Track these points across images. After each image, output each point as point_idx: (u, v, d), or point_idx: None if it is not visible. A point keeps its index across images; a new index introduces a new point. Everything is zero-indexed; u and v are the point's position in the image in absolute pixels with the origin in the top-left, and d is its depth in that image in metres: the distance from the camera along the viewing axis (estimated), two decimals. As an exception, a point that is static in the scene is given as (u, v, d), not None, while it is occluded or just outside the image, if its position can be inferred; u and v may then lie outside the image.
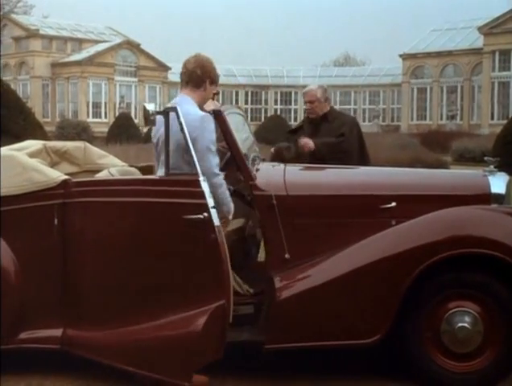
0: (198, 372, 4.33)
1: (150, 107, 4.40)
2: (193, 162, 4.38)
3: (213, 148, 4.61)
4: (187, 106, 4.62)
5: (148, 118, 4.39)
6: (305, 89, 6.87)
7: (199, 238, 4.33)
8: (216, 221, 4.31)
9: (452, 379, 4.55)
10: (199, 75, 4.84)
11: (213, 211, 4.31)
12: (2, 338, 4.65)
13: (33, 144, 5.86)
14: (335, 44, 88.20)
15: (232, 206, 4.68)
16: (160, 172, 4.78)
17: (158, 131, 4.84)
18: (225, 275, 4.29)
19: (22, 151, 5.39)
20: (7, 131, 12.19)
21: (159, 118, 4.52)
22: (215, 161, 4.61)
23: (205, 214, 4.28)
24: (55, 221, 4.71)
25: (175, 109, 4.44)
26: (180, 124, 4.40)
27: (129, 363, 4.43)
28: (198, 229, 4.31)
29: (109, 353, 4.50)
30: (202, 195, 4.33)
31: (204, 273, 4.36)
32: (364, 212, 4.83)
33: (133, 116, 44.68)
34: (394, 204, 4.80)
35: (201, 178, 4.36)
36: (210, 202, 4.33)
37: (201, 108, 4.85)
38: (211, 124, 4.63)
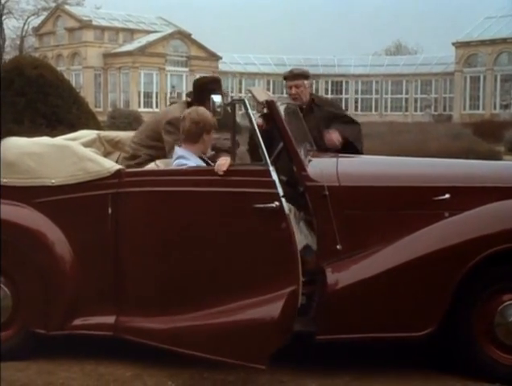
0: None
1: (217, 99, 4.53)
2: (262, 152, 4.51)
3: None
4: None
5: (215, 109, 4.51)
6: (292, 72, 6.36)
7: (270, 226, 4.48)
8: (287, 210, 4.48)
9: (505, 373, 4.49)
10: (193, 132, 4.96)
11: (283, 200, 4.46)
12: (56, 325, 4.74)
13: (87, 134, 5.95)
14: (386, 33, 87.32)
15: None
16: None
17: None
18: (295, 261, 4.46)
19: (77, 141, 5.47)
20: (61, 120, 12.37)
21: None
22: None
23: (277, 203, 4.44)
24: (109, 210, 4.77)
25: (242, 101, 4.60)
26: (249, 115, 4.56)
27: (200, 349, 4.48)
28: (269, 218, 4.47)
29: (174, 340, 4.56)
30: (273, 185, 4.46)
31: (276, 260, 4.49)
32: (417, 204, 4.77)
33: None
34: (447, 196, 4.74)
35: (271, 168, 4.50)
36: (280, 191, 4.48)
37: (206, 152, 5.12)
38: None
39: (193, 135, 4.95)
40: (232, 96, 42.01)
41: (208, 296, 4.57)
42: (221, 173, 4.59)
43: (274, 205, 4.45)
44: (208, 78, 6.14)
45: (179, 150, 4.98)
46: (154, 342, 4.60)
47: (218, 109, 4.55)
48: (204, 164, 5.00)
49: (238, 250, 4.60)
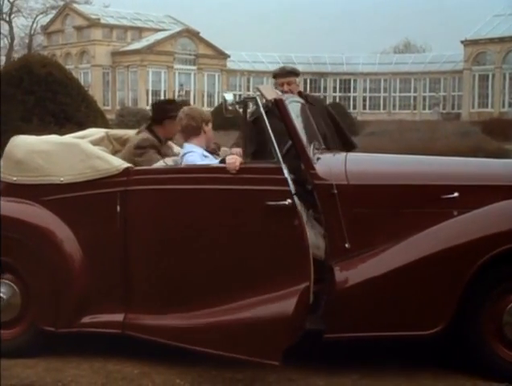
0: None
1: (229, 97, 4.59)
2: (274, 150, 4.58)
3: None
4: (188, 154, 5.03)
5: (227, 108, 4.57)
6: (283, 69, 6.31)
7: (283, 224, 4.51)
8: (300, 207, 4.53)
9: (514, 371, 4.48)
10: (194, 126, 5.09)
11: (296, 198, 4.50)
12: (64, 322, 4.76)
13: (96, 132, 5.96)
14: (395, 31, 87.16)
15: None
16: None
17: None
18: (307, 258, 4.49)
19: (86, 139, 5.48)
20: (70, 118, 12.40)
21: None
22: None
23: (289, 200, 4.47)
24: (118, 208, 4.78)
25: (254, 99, 4.70)
26: (260, 113, 4.64)
27: (212, 346, 4.50)
28: (282, 215, 4.50)
29: (186, 337, 4.57)
30: (286, 182, 4.52)
31: (289, 256, 4.52)
32: (425, 202, 4.76)
33: (192, 103, 45.01)
34: (456, 195, 4.72)
35: (283, 166, 4.55)
36: (292, 189, 4.52)
37: (208, 146, 5.21)
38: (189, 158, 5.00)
39: (193, 129, 5.09)
40: (240, 95, 42.05)
41: (220, 293, 4.59)
42: (234, 171, 4.61)
43: (286, 202, 4.48)
44: (165, 100, 6.30)
45: (186, 146, 5.08)
46: (165, 340, 4.62)
47: (230, 108, 4.60)
48: (209, 155, 5.08)
49: (248, 248, 4.61)
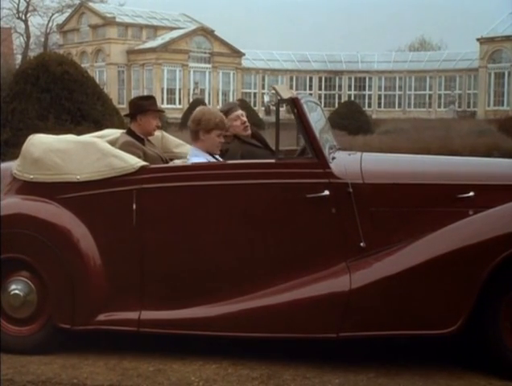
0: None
1: (267, 98, 4.78)
2: (310, 146, 4.75)
3: None
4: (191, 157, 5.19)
5: (266, 108, 4.74)
6: (235, 103, 6.50)
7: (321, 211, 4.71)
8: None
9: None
10: (192, 130, 5.21)
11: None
12: (80, 320, 4.79)
13: (112, 132, 5.99)
14: (410, 28, 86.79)
15: None
16: None
17: None
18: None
19: (102, 139, 5.51)
20: (86, 116, 12.44)
21: None
22: None
23: (327, 192, 4.65)
24: (134, 206, 4.81)
25: (288, 101, 4.82)
26: (294, 114, 4.82)
27: (260, 330, 4.62)
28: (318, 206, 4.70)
29: (230, 325, 4.66)
30: (323, 176, 4.70)
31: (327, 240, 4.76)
32: (441, 201, 4.76)
33: (207, 102, 45.05)
34: (471, 194, 4.72)
35: (317, 161, 4.73)
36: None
37: (211, 152, 5.21)
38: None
39: (192, 133, 5.22)
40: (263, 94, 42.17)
41: (254, 281, 4.70)
42: None
43: (323, 194, 4.66)
44: (141, 96, 6.33)
45: (190, 149, 5.27)
46: (201, 332, 4.69)
47: (269, 108, 4.77)
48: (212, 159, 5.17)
49: (288, 235, 4.76)
